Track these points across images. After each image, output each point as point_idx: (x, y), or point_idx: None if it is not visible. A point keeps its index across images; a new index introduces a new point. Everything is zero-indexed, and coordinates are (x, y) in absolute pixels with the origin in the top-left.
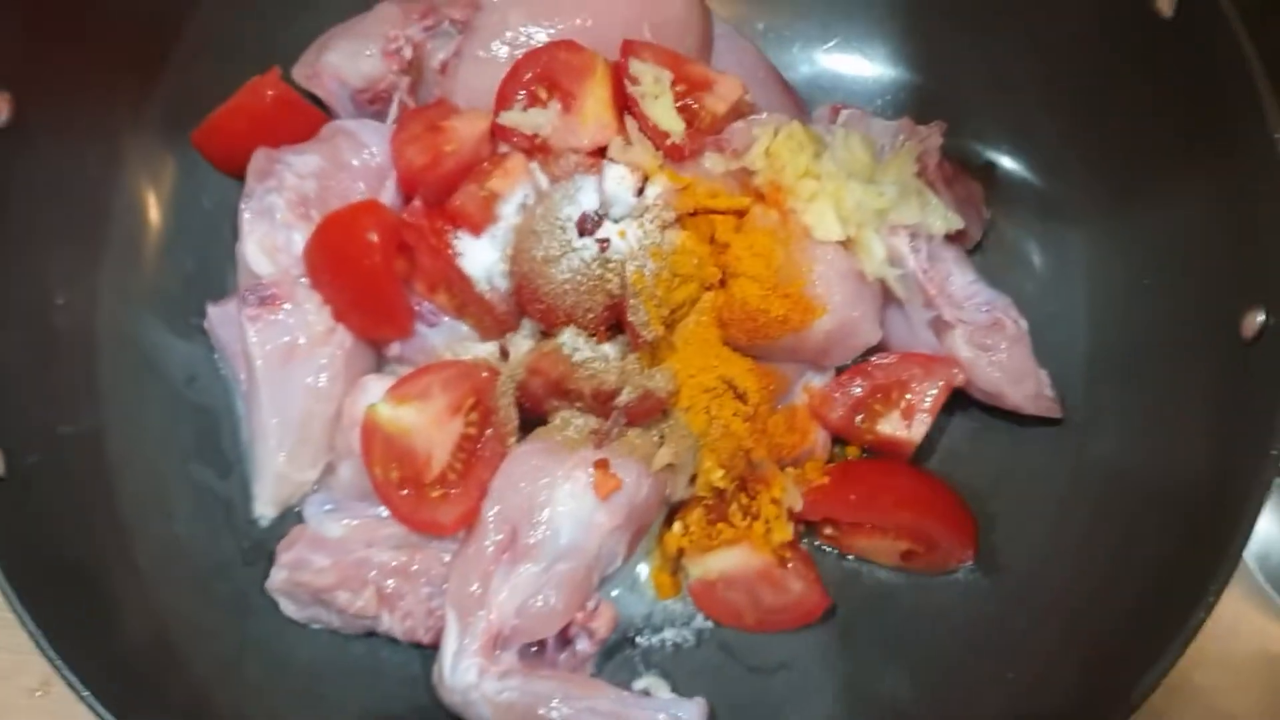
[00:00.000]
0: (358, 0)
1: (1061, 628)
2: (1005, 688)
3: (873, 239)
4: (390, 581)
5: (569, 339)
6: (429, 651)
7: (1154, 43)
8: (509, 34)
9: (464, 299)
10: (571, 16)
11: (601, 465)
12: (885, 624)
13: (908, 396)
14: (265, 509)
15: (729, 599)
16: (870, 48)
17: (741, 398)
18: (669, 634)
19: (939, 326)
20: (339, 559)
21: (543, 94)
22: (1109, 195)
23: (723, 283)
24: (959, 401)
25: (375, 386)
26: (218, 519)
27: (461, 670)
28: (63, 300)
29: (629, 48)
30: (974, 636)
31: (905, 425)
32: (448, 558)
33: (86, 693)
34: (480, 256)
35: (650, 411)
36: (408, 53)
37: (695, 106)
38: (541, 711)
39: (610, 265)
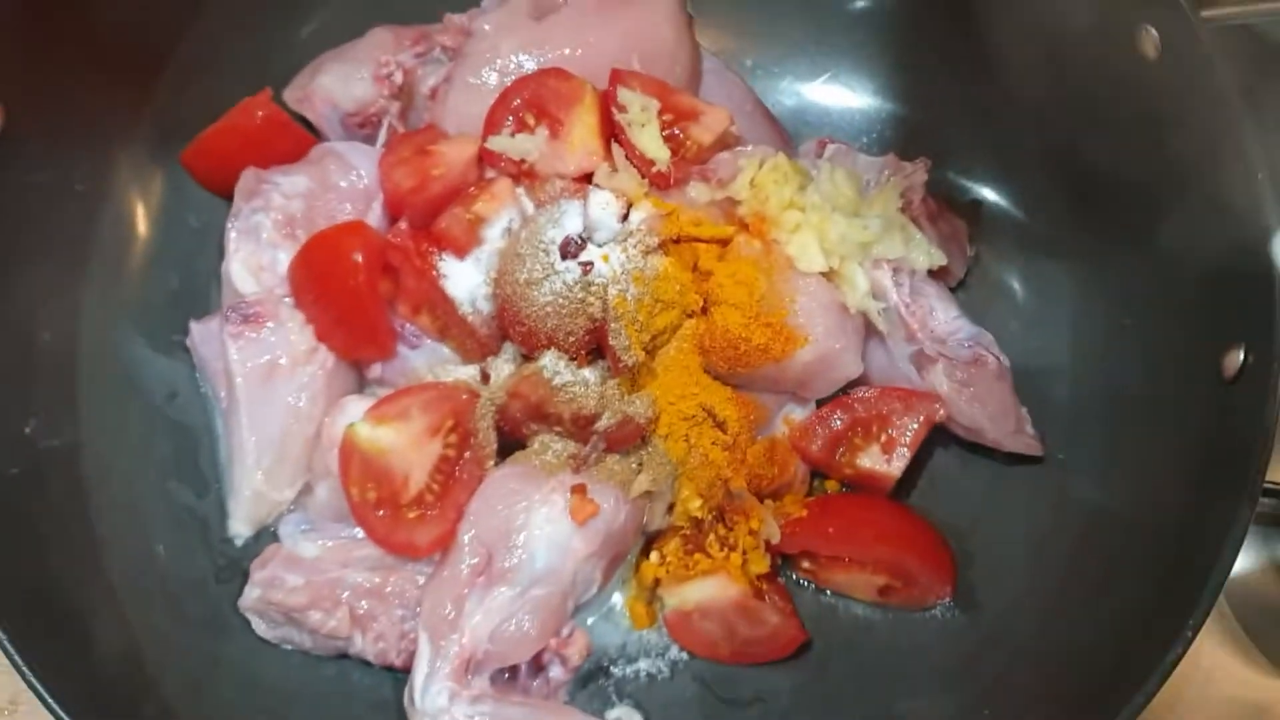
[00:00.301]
0: (351, 26)
1: (1039, 665)
2: None
3: (856, 272)
4: (364, 603)
5: (550, 362)
6: (401, 675)
7: (1138, 83)
8: (499, 61)
9: (447, 321)
10: (561, 46)
11: (579, 490)
12: (862, 659)
13: (888, 431)
14: (241, 527)
15: (705, 630)
16: (858, 84)
17: (721, 426)
18: (644, 664)
19: (920, 361)
20: (313, 579)
21: (531, 120)
22: (1092, 234)
23: (705, 310)
24: (940, 437)
25: (355, 407)
26: (193, 537)
27: (433, 694)
28: (46, 311)
29: (617, 76)
30: (951, 674)
31: (885, 460)
32: (422, 580)
33: (55, 710)
34: (464, 279)
35: (629, 437)
36: (399, 78)
37: (681, 136)
38: None
39: (592, 289)
